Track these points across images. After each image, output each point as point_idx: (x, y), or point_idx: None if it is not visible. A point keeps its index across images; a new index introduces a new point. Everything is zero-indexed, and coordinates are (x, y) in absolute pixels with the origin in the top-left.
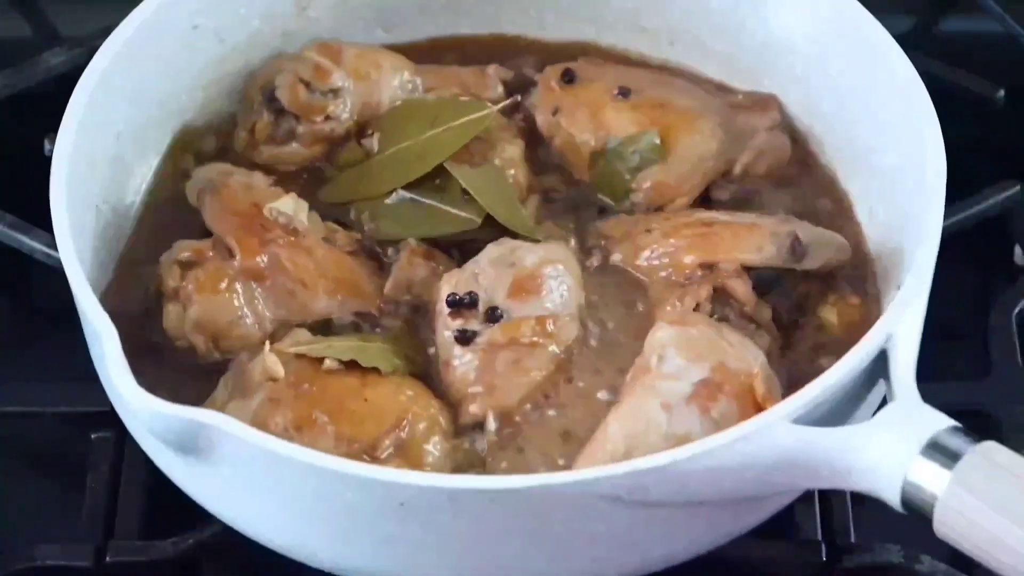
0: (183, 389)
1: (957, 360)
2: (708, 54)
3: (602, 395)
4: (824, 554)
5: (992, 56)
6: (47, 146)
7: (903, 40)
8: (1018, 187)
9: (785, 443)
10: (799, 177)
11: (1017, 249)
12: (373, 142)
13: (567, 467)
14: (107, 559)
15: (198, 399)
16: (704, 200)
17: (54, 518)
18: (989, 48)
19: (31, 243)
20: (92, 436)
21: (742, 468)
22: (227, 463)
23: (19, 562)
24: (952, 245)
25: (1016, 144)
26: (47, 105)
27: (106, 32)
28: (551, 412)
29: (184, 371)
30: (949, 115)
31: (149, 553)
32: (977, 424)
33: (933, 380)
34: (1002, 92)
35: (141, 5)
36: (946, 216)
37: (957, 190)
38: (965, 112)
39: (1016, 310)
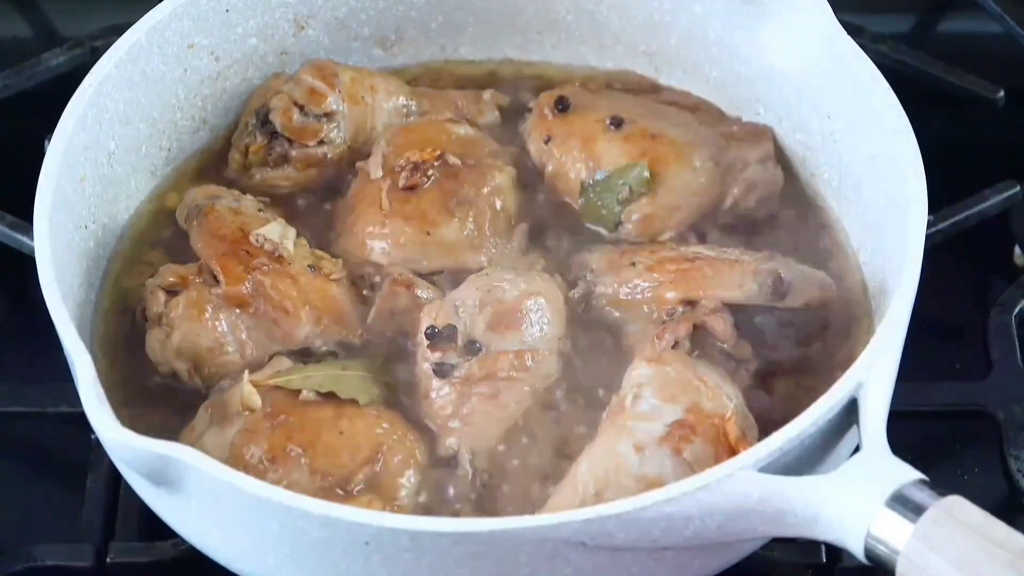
0: (174, 407)
1: (957, 360)
2: (705, 81)
3: (580, 431)
4: (824, 554)
5: (992, 56)
6: (47, 146)
7: (903, 40)
8: (1018, 187)
9: (749, 492)
10: (791, 210)
11: (1017, 249)
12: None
13: (542, 501)
14: (107, 559)
15: (186, 420)
16: (695, 231)
17: (54, 518)
18: (989, 48)
19: (31, 243)
20: (92, 436)
21: (705, 516)
22: (196, 496)
23: (19, 562)
24: (952, 245)
25: (1016, 144)
26: (47, 105)
27: (106, 32)
28: (527, 447)
29: (174, 390)
30: (949, 115)
31: (149, 554)
32: (977, 424)
33: (933, 380)
34: (1002, 92)
35: (136, 25)
36: (946, 216)
37: (957, 190)
38: (965, 112)
39: (1016, 310)
